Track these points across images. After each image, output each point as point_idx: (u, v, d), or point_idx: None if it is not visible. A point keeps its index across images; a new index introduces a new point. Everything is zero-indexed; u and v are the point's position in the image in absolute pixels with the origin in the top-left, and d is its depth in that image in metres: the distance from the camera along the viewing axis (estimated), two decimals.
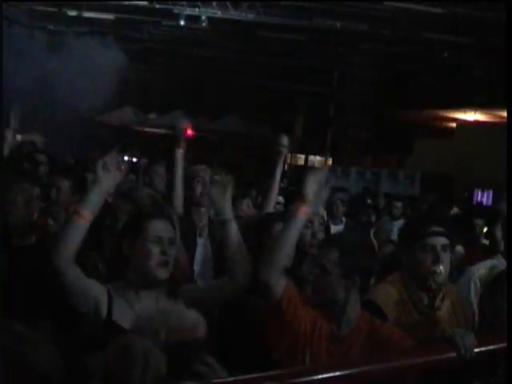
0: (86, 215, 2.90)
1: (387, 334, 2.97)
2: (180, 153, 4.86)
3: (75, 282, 2.91)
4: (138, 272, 3.06)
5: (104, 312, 2.96)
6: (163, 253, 3.04)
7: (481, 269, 3.91)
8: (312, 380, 2.30)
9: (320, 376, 2.30)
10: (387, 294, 3.39)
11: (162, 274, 3.04)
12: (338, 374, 2.33)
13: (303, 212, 3.10)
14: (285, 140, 4.90)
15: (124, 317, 2.97)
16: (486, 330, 3.06)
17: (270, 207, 4.82)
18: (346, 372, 2.34)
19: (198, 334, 2.59)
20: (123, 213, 3.94)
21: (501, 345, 2.38)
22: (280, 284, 3.02)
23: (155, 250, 3.04)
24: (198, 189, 4.94)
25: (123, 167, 3.05)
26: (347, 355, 2.88)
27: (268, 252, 3.08)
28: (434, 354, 2.55)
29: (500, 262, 4.79)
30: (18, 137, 5.99)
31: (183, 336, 2.50)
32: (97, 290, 2.99)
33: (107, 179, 2.98)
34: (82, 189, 4.58)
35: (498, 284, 3.10)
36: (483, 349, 2.31)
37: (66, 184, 4.83)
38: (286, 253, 3.08)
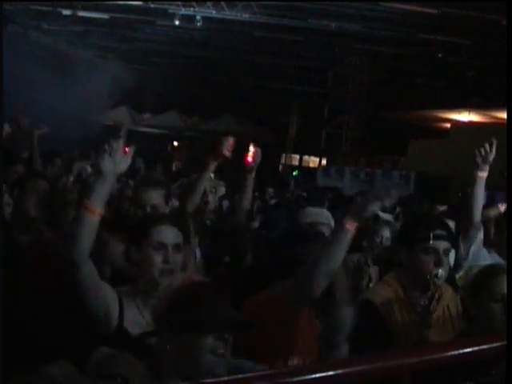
0: (95, 209, 2.78)
1: None
2: (251, 178, 4.74)
3: (89, 279, 2.84)
4: (143, 278, 3.02)
5: (115, 318, 2.90)
6: (166, 261, 2.98)
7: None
8: (306, 379, 2.29)
9: (314, 375, 2.29)
10: (384, 293, 3.41)
11: (164, 281, 2.96)
12: (331, 373, 2.32)
13: (351, 226, 3.08)
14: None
15: (135, 324, 2.93)
16: (476, 331, 3.05)
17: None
18: (339, 371, 2.33)
19: None
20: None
21: (492, 345, 2.37)
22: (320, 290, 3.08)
23: (157, 257, 2.98)
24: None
25: (127, 150, 2.88)
26: None
27: (317, 264, 3.06)
28: (429, 354, 2.55)
29: None
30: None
31: None
32: (108, 294, 2.92)
33: (108, 166, 2.80)
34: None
35: (481, 283, 3.10)
36: (475, 349, 2.30)
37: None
38: (333, 266, 3.08)
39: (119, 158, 2.84)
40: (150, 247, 3.01)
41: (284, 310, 3.09)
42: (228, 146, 4.63)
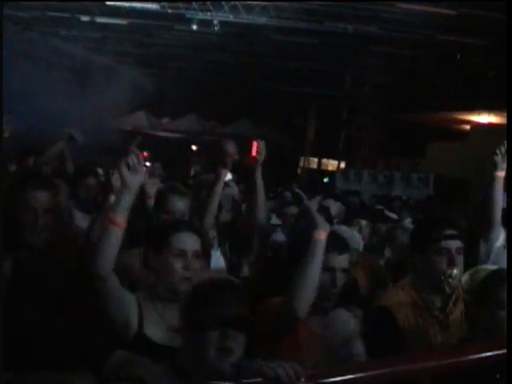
0: (120, 221, 2.83)
1: None
2: (258, 174, 4.65)
3: (113, 291, 2.88)
4: (162, 284, 3.05)
5: (135, 324, 2.93)
6: (185, 268, 3.01)
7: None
8: (325, 383, 2.28)
9: (333, 379, 2.29)
10: (398, 298, 3.38)
11: (185, 288, 2.97)
12: (350, 377, 2.31)
13: (319, 236, 3.13)
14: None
15: (155, 329, 2.96)
16: (482, 336, 3.01)
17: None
18: (359, 375, 2.32)
19: None
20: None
21: (498, 352, 2.36)
22: (305, 310, 3.11)
23: (178, 264, 3.01)
24: None
25: (144, 164, 2.93)
26: None
27: (296, 284, 3.08)
28: (448, 358, 2.53)
29: None
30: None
31: None
32: (130, 302, 2.96)
33: (133, 180, 2.87)
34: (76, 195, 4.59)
35: (488, 289, 3.05)
36: (495, 353, 2.29)
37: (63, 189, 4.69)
38: (313, 283, 3.10)
39: (139, 172, 2.88)
40: (170, 254, 3.03)
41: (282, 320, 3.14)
42: (232, 148, 4.51)
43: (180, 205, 4.12)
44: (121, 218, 2.85)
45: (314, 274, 3.09)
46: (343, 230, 4.67)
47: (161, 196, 4.31)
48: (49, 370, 2.18)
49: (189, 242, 3.08)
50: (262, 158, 4.42)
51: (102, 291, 2.86)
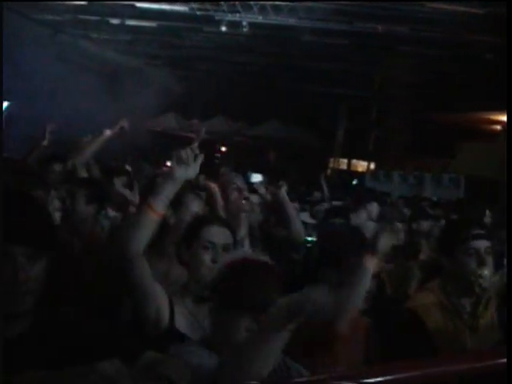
0: (157, 209, 2.84)
1: None
2: (284, 189, 4.87)
3: (141, 276, 2.88)
4: (192, 277, 3.06)
5: (166, 318, 2.94)
6: (214, 260, 3.03)
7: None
8: None
9: (360, 381, 2.27)
10: (427, 301, 3.34)
11: None
12: (380, 379, 2.29)
13: (373, 263, 3.15)
14: None
15: (186, 324, 2.98)
16: None
17: None
18: (388, 378, 2.30)
19: None
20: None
21: None
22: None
23: (206, 256, 3.05)
24: (234, 195, 4.93)
25: (199, 161, 2.92)
26: None
27: (343, 298, 3.05)
28: (478, 361, 2.49)
29: None
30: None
31: None
32: (159, 294, 2.96)
33: (181, 173, 2.88)
34: (98, 199, 4.61)
35: None
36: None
37: (81, 194, 4.66)
38: (358, 299, 3.11)
39: (191, 166, 2.88)
40: (200, 246, 3.06)
41: None
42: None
43: (195, 205, 4.16)
44: (159, 207, 2.85)
45: (360, 295, 3.12)
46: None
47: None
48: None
49: (218, 234, 3.11)
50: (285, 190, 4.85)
51: (130, 275, 2.86)
